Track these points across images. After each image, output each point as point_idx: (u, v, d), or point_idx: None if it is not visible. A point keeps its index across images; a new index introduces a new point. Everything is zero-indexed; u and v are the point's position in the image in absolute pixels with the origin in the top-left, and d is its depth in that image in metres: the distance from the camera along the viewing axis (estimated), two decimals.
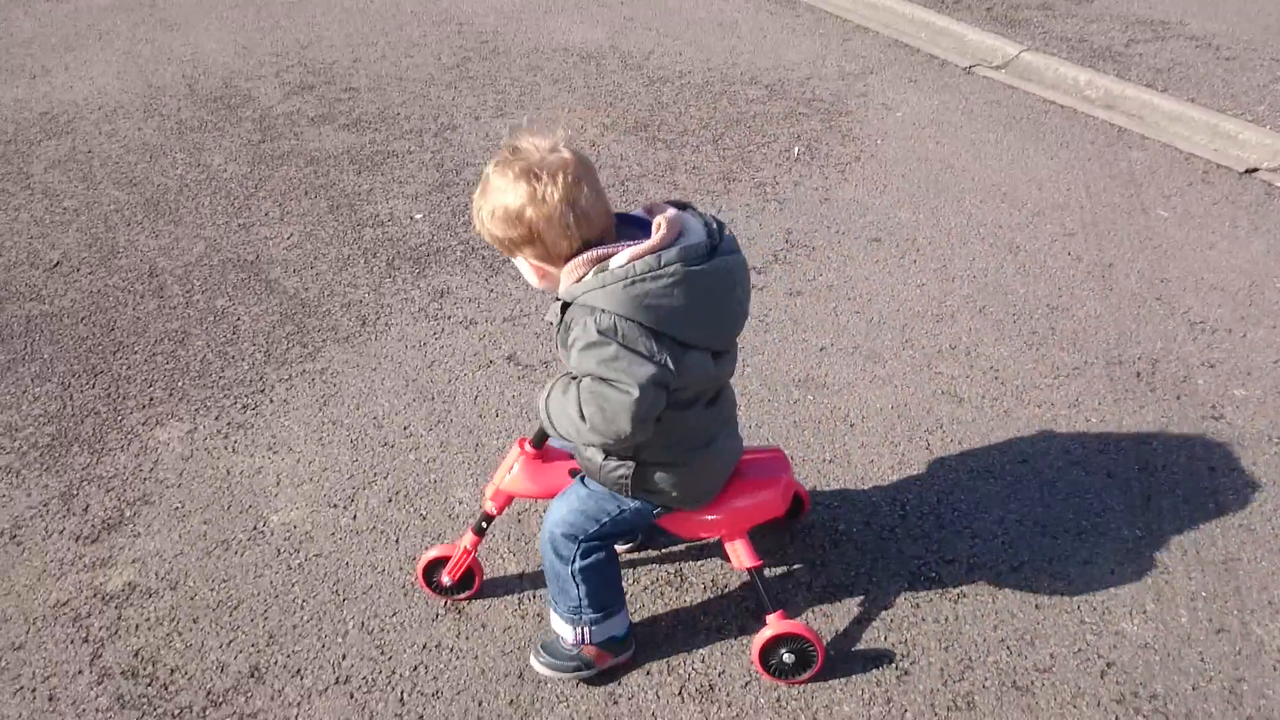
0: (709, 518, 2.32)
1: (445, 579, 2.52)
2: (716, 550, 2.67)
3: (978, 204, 4.23)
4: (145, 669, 2.41)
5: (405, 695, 2.35)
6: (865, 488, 2.89)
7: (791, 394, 3.23)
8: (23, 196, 4.32)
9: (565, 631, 2.36)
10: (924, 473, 2.93)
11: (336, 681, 2.37)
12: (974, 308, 3.62)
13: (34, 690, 2.37)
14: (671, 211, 1.98)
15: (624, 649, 2.42)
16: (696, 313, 1.95)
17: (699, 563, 2.66)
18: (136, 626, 2.51)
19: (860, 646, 2.45)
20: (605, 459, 2.19)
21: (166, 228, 4.11)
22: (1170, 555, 2.65)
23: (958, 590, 2.59)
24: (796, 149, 4.65)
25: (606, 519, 2.27)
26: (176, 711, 2.31)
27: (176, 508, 2.84)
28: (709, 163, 4.55)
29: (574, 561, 2.30)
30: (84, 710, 2.32)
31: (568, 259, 1.96)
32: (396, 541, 2.74)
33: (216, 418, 3.17)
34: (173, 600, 2.57)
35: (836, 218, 4.15)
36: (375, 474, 2.97)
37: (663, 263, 1.90)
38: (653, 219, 1.97)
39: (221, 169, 4.52)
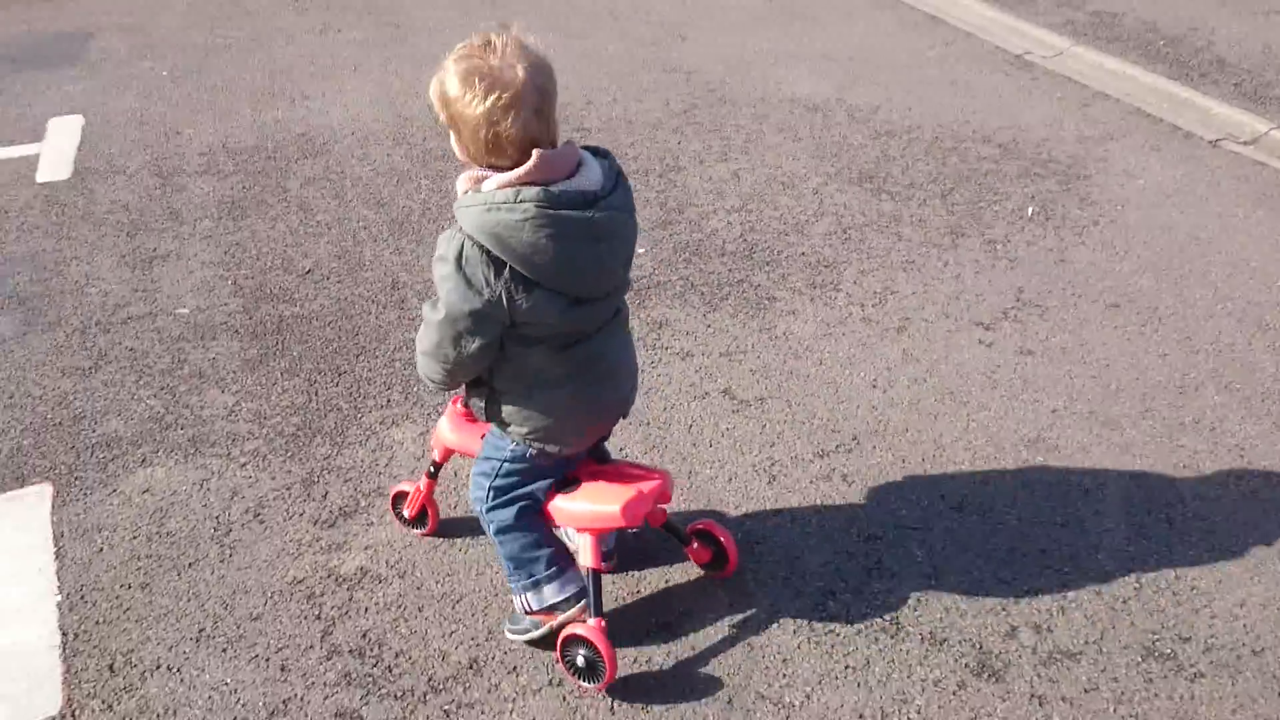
0: (553, 504, 2.36)
1: (404, 512, 2.81)
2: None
3: (1225, 277, 4.01)
4: (372, 650, 2.51)
5: (615, 705, 2.36)
6: (1098, 555, 2.76)
7: (1020, 454, 3.12)
8: (280, 208, 4.63)
9: (515, 599, 2.46)
10: (1162, 547, 2.78)
11: (550, 683, 2.41)
12: (1220, 383, 3.42)
13: (268, 660, 2.50)
14: (554, 150, 1.99)
15: (571, 606, 2.39)
16: (549, 254, 1.97)
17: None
18: (365, 609, 2.62)
19: (1088, 719, 2.33)
20: (472, 391, 2.29)
21: (409, 246, 4.33)
22: None
23: (1194, 669, 2.43)
24: (1030, 209, 4.53)
25: (496, 472, 2.33)
26: (399, 693, 2.39)
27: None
28: (936, 216, 4.48)
29: (490, 527, 2.39)
30: (313, 683, 2.43)
31: (478, 163, 2.02)
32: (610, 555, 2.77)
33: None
34: (400, 588, 2.68)
35: (1072, 280, 4.01)
36: None
37: (519, 198, 1.94)
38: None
39: None
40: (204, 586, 2.69)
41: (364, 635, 2.55)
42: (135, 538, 2.84)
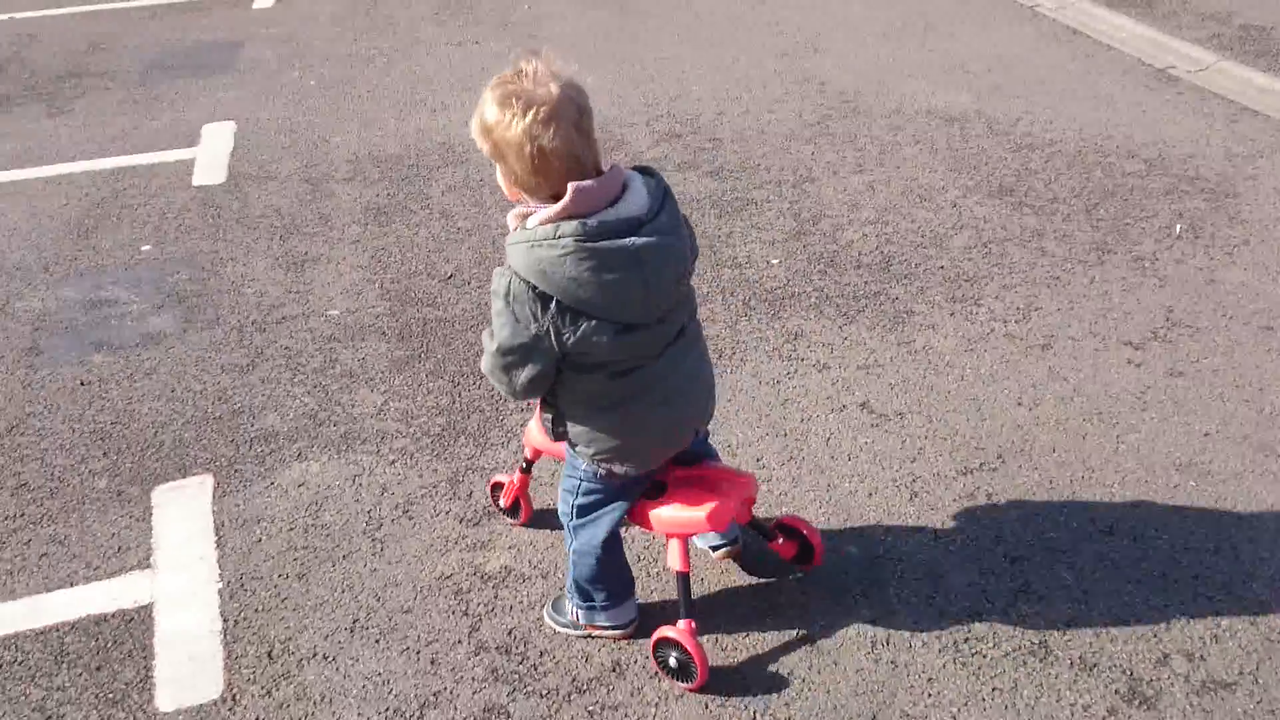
0: (651, 513, 2.41)
1: (501, 501, 2.93)
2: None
3: None
4: (517, 648, 2.56)
5: (758, 715, 2.37)
6: (1253, 584, 2.66)
7: (1172, 478, 3.03)
8: (423, 215, 4.77)
9: (566, 602, 2.58)
10: None
11: (694, 690, 2.43)
12: None
13: (418, 652, 2.58)
14: (592, 181, 2.01)
15: (618, 629, 2.55)
16: (592, 285, 2.02)
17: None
18: (510, 607, 2.68)
19: None
20: (544, 409, 2.34)
21: None
22: None
23: None
24: (1178, 226, 4.39)
25: (578, 490, 2.40)
26: (544, 691, 2.45)
27: (550, 503, 3.03)
28: (1081, 232, 4.38)
29: (572, 543, 2.46)
30: (461, 677, 2.50)
31: (528, 190, 2.07)
32: (748, 568, 2.78)
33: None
34: (544, 588, 2.73)
35: (1223, 300, 3.88)
36: None
37: (558, 234, 1.99)
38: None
39: None
40: (357, 579, 2.78)
41: (509, 633, 2.61)
42: (292, 529, 2.96)
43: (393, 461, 3.22)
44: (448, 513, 3.01)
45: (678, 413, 2.33)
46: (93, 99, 6.09)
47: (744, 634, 2.58)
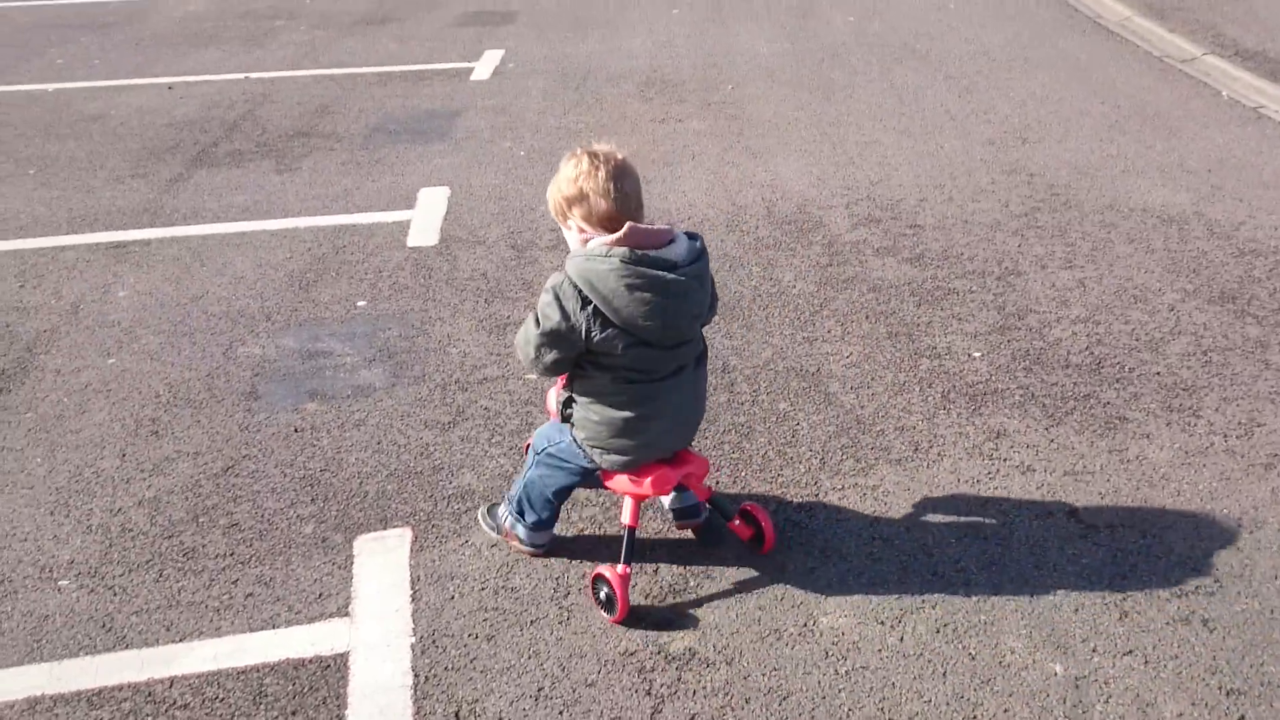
0: (613, 480, 2.91)
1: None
2: None
3: None
4: None
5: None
6: None
7: None
8: None
9: (502, 508, 3.14)
10: None
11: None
12: None
13: None
14: (644, 226, 2.61)
15: (530, 548, 3.10)
16: (625, 299, 2.59)
17: None
18: (694, 691, 2.64)
19: None
20: (563, 388, 2.91)
21: (739, 331, 4.42)
22: None
23: None
24: None
25: (552, 443, 2.94)
26: None
27: (736, 585, 2.99)
28: None
29: (530, 468, 3.01)
30: None
31: (603, 220, 2.63)
32: (944, 675, 2.67)
33: (774, 511, 3.30)
34: (727, 675, 2.68)
35: None
36: (924, 601, 2.93)
37: (608, 253, 2.58)
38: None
39: (791, 285, 4.80)
40: (543, 646, 2.80)
41: (692, 718, 2.56)
42: (483, 589, 3.01)
43: (582, 529, 3.24)
44: (632, 587, 3.00)
45: (667, 429, 2.86)
46: (319, 158, 6.49)
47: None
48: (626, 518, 2.94)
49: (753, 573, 3.05)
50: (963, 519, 3.26)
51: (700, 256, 2.71)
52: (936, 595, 2.95)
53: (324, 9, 10.46)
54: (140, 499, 3.40)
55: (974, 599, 2.93)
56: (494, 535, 3.17)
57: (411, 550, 3.17)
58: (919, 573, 3.04)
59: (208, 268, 5.03)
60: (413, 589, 3.02)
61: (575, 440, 2.87)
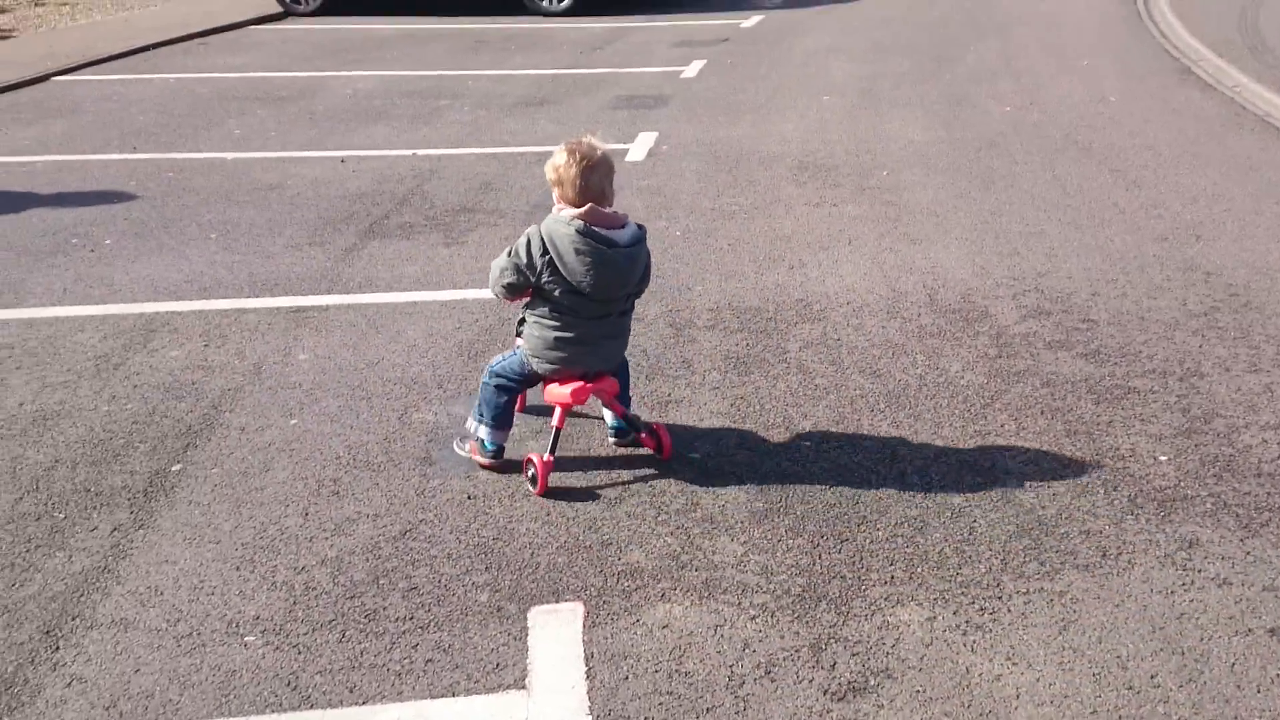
0: (546, 387, 3.90)
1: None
2: None
3: None
4: None
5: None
6: None
7: None
8: (780, 368, 4.82)
9: (469, 421, 4.00)
10: None
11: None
12: None
13: None
14: (603, 209, 3.62)
15: (487, 455, 3.94)
16: (572, 257, 3.57)
17: None
18: None
19: None
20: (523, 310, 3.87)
21: (906, 420, 4.33)
22: None
23: None
24: None
25: (499, 364, 3.92)
26: None
27: (918, 691, 2.88)
28: None
29: (487, 383, 3.92)
30: None
31: (571, 200, 3.63)
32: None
33: (955, 612, 3.19)
34: None
35: None
36: (1121, 714, 2.77)
37: (569, 221, 3.57)
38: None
39: (959, 376, 4.70)
40: None
41: None
42: (657, 671, 2.97)
43: (754, 616, 3.19)
44: (810, 681, 2.93)
45: (588, 352, 3.78)
46: (484, 233, 6.67)
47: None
48: (555, 421, 3.87)
49: (934, 675, 2.94)
50: (1158, 631, 3.09)
51: (639, 242, 3.69)
52: (1135, 708, 2.80)
53: (485, 90, 10.85)
54: (323, 558, 3.48)
55: (1173, 716, 2.77)
56: (464, 457, 3.98)
57: (584, 625, 3.15)
58: (1114, 686, 2.89)
59: (382, 335, 5.19)
60: (587, 665, 2.99)
61: (520, 354, 3.84)
